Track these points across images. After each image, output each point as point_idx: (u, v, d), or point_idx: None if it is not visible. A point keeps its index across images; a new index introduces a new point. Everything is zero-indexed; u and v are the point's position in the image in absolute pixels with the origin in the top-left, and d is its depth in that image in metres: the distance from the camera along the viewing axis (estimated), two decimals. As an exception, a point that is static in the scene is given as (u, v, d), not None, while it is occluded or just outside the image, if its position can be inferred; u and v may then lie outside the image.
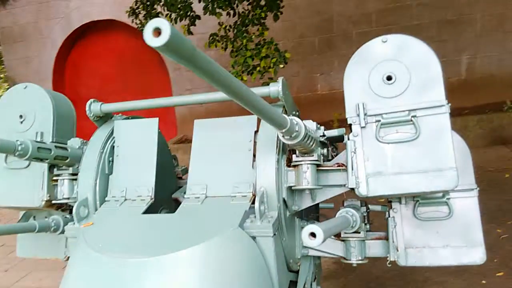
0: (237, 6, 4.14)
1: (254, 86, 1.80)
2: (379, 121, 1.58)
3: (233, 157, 1.76)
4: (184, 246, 1.38)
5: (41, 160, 1.83)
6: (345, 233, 1.80)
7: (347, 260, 1.81)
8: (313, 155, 1.61)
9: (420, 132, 1.54)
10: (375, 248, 1.84)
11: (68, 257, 2.23)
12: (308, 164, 1.61)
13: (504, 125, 6.68)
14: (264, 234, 1.51)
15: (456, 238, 1.74)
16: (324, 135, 1.70)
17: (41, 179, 2.01)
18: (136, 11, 4.98)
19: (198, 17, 4.61)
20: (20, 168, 2.06)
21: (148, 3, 4.71)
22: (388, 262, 1.82)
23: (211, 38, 4.50)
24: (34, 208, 2.05)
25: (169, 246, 1.43)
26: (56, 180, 2.08)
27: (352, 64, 1.65)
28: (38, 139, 2.03)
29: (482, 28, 7.46)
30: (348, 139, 1.62)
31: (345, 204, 1.84)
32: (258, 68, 3.91)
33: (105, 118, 2.08)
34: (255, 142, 1.75)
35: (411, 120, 1.55)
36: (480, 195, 1.73)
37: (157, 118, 1.97)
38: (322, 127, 1.74)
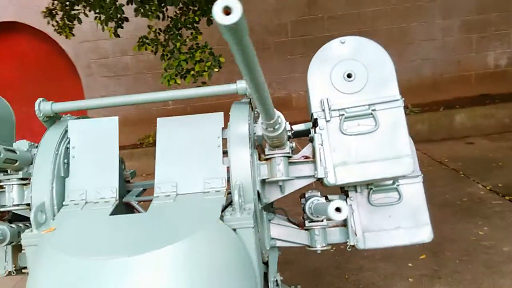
0: (166, 10, 4.09)
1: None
2: (343, 115, 1.72)
3: (202, 153, 1.78)
4: (166, 243, 1.37)
5: None
6: (309, 222, 1.91)
7: (312, 247, 1.92)
8: (285, 148, 1.69)
9: (379, 124, 1.70)
10: (335, 235, 1.97)
11: (9, 272, 2.05)
12: (281, 156, 1.69)
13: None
14: (245, 226, 1.55)
15: (406, 220, 1.94)
16: (291, 129, 1.79)
17: (-16, 184, 1.84)
18: (53, 11, 4.66)
19: (126, 19, 4.47)
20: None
21: (67, 3, 4.43)
22: (348, 246, 1.96)
23: (140, 41, 4.40)
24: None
25: (150, 244, 1.40)
26: (1, 187, 1.91)
27: (314, 63, 1.78)
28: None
29: (386, 41, 8.20)
30: (315, 132, 1.73)
31: (306, 196, 1.95)
32: (192, 72, 3.91)
33: (54, 118, 1.96)
34: (223, 139, 1.78)
35: (371, 114, 1.71)
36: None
37: (117, 117, 1.91)
38: (287, 122, 1.83)
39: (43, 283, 1.45)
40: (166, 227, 1.53)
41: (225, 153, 1.77)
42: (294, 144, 1.77)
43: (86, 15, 4.56)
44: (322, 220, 1.91)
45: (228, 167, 1.73)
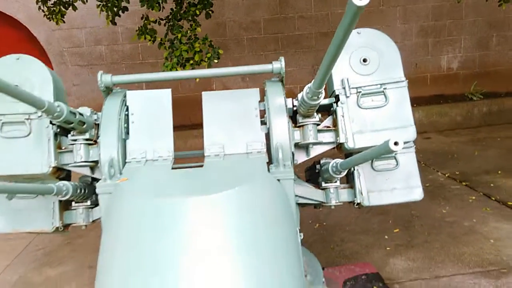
0: (165, 1, 4.31)
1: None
2: (360, 92, 2.10)
3: (243, 122, 2.10)
4: (231, 187, 1.68)
5: (69, 123, 1.91)
6: (325, 183, 2.28)
7: (327, 203, 2.29)
8: (315, 118, 2.05)
9: (389, 100, 2.10)
10: (344, 195, 2.34)
11: (56, 228, 2.28)
12: (312, 124, 2.05)
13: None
14: (287, 177, 1.89)
15: (402, 183, 2.34)
16: (319, 103, 2.15)
17: (47, 146, 2.06)
18: (47, -3, 4.73)
19: (126, 8, 4.64)
20: (20, 137, 2.07)
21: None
22: (355, 204, 2.34)
23: (139, 31, 4.58)
24: (39, 175, 2.07)
25: (217, 187, 1.71)
26: (60, 147, 2.14)
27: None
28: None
29: (350, 41, 8.78)
30: (337, 106, 2.11)
31: (321, 162, 2.32)
32: (191, 61, 4.17)
33: (108, 90, 2.21)
34: (260, 110, 2.12)
35: (382, 91, 2.10)
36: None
37: (170, 89, 2.18)
38: None
39: (124, 223, 1.72)
40: (224, 177, 1.84)
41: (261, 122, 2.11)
42: (320, 116, 2.13)
43: (84, 2, 4.68)
44: (336, 181, 2.29)
45: (265, 133, 2.07)
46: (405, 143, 2.24)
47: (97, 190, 1.93)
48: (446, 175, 5.61)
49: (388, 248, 3.81)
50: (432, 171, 5.82)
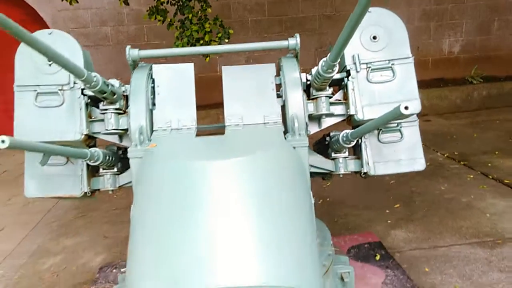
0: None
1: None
2: (369, 67, 2.25)
3: (260, 94, 2.25)
4: (254, 152, 1.85)
5: (102, 93, 2.06)
6: (334, 154, 2.45)
7: (336, 172, 2.46)
8: (328, 91, 2.21)
9: (396, 75, 2.25)
10: (352, 165, 2.51)
11: (85, 193, 2.45)
12: (325, 97, 2.20)
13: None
14: (302, 145, 2.06)
15: (406, 154, 2.50)
16: (331, 77, 2.30)
17: (79, 115, 2.22)
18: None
19: (138, -12, 4.73)
20: (53, 106, 2.23)
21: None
22: (362, 173, 2.51)
23: (150, 11, 4.68)
24: (71, 142, 2.22)
25: (241, 152, 1.87)
26: (90, 117, 2.30)
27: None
28: (70, 81, 2.23)
29: (353, 24, 8.86)
30: (348, 80, 2.26)
31: (331, 134, 2.48)
32: (201, 41, 4.30)
33: (134, 64, 2.35)
34: (276, 84, 2.27)
35: (390, 67, 2.25)
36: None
37: (193, 64, 2.32)
38: None
39: (155, 183, 1.89)
40: (245, 144, 2.01)
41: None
42: (332, 89, 2.29)
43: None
44: (344, 152, 2.46)
45: (281, 106, 2.23)
46: (413, 115, 2.41)
47: (128, 155, 2.09)
48: (445, 155, 5.79)
49: (389, 222, 4.00)
50: (432, 152, 6.00)
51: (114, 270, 3.34)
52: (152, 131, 2.18)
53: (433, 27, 9.03)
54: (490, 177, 4.89)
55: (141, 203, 1.93)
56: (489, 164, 5.29)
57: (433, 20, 8.97)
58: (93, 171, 2.52)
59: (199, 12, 4.54)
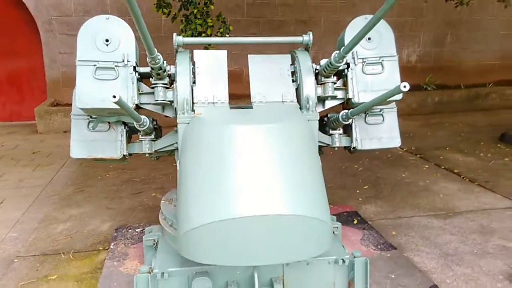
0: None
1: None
2: (365, 62, 2.88)
3: (278, 78, 2.83)
4: (285, 118, 2.43)
5: (159, 69, 2.54)
6: (331, 130, 3.07)
7: (332, 145, 3.08)
8: (333, 78, 2.82)
9: (385, 69, 2.90)
10: (344, 141, 3.13)
11: (124, 156, 2.92)
12: (331, 82, 2.81)
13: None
14: (313, 118, 2.66)
15: (386, 133, 3.15)
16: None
17: (131, 88, 2.68)
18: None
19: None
20: (109, 80, 2.68)
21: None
22: (352, 148, 3.14)
23: (157, 4, 5.09)
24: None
25: (272, 120, 2.45)
26: (139, 90, 2.77)
27: (349, 30, 2.91)
28: (125, 59, 2.70)
29: (324, 30, 9.62)
30: (348, 71, 2.88)
31: (329, 115, 3.10)
32: (203, 35, 4.78)
33: (176, 49, 2.85)
34: (291, 71, 2.86)
35: (381, 63, 2.90)
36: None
37: (226, 51, 2.85)
38: None
39: (202, 143, 2.41)
40: (272, 114, 2.58)
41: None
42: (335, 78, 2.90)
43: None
44: (339, 130, 3.08)
45: (295, 88, 2.82)
46: (393, 102, 3.07)
47: (178, 120, 2.60)
48: (404, 149, 6.61)
49: (360, 199, 4.69)
50: (393, 146, 6.80)
51: (130, 230, 3.78)
52: (193, 103, 2.69)
53: (395, 37, 9.93)
54: (442, 167, 5.73)
55: (190, 155, 2.45)
56: (441, 157, 6.15)
57: (394, 31, 9.84)
58: (129, 138, 2.99)
59: (203, 8, 5.04)
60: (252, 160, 2.32)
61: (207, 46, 4.73)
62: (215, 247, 2.23)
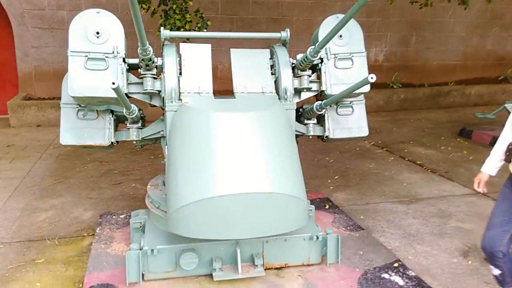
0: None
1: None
2: (337, 57, 3.17)
3: (259, 71, 3.07)
4: (266, 107, 2.68)
5: (148, 61, 2.73)
6: (306, 120, 3.34)
7: (307, 135, 3.35)
8: (308, 71, 3.09)
9: (354, 64, 3.19)
10: (317, 130, 3.41)
11: (112, 143, 3.09)
12: (306, 76, 3.08)
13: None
14: (291, 108, 2.92)
15: (355, 124, 3.45)
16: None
17: (121, 78, 2.86)
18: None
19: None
20: (100, 70, 2.85)
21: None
22: (324, 137, 3.42)
23: None
24: (112, 98, 2.84)
25: (254, 108, 2.69)
26: (127, 80, 2.95)
27: (323, 28, 3.18)
28: (114, 51, 2.88)
29: (296, 29, 9.92)
30: (322, 65, 3.15)
31: (304, 106, 3.37)
32: (181, 29, 4.95)
33: (163, 42, 3.05)
34: (270, 65, 3.11)
35: (351, 58, 3.18)
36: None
37: (210, 44, 3.07)
38: None
39: (190, 129, 2.63)
40: (254, 103, 2.82)
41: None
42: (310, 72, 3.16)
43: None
44: (313, 120, 3.36)
45: (274, 81, 3.07)
46: (361, 94, 3.37)
47: (166, 108, 2.80)
48: (371, 143, 7.00)
49: (331, 187, 5.00)
50: (360, 140, 7.16)
51: (114, 216, 3.94)
52: (179, 93, 2.90)
53: (364, 37, 10.36)
54: (406, 159, 6.13)
55: (178, 140, 2.67)
56: (405, 150, 6.56)
57: (363, 31, 10.29)
58: (116, 126, 3.17)
59: (182, 4, 5.23)
60: (236, 144, 2.56)
61: (185, 40, 4.91)
62: (203, 223, 2.46)
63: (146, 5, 5.12)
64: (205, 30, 5.26)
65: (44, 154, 6.31)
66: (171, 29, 4.95)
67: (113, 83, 2.11)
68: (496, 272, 2.60)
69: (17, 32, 8.68)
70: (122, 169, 5.71)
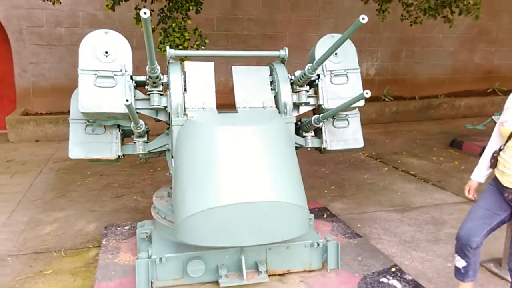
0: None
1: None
2: (332, 74, 3.35)
3: (259, 86, 3.24)
4: (267, 121, 2.84)
5: (156, 78, 2.88)
6: (304, 133, 3.50)
7: (305, 146, 3.51)
8: (306, 87, 3.26)
9: (349, 80, 3.37)
10: (315, 142, 3.57)
11: (118, 156, 3.22)
12: (304, 91, 3.25)
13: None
14: (291, 121, 3.09)
15: (351, 136, 3.62)
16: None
17: (128, 94, 3.00)
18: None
19: (126, -1, 5.42)
20: (109, 87, 3.00)
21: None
22: (322, 149, 3.58)
23: (136, 17, 5.38)
24: (120, 114, 2.98)
25: (257, 122, 2.85)
26: (135, 96, 3.09)
27: (319, 46, 3.36)
28: (122, 69, 3.03)
29: (289, 45, 10.14)
30: (319, 81, 3.33)
31: (302, 119, 3.53)
32: (180, 47, 5.12)
33: (168, 60, 3.21)
34: (270, 81, 3.28)
35: (346, 74, 3.37)
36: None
37: (213, 62, 3.23)
38: None
39: (196, 142, 2.77)
40: (256, 118, 2.97)
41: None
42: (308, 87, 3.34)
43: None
44: (311, 132, 3.52)
45: (274, 96, 3.24)
46: (356, 108, 3.55)
47: (172, 123, 2.95)
48: (365, 155, 7.18)
49: (328, 198, 5.15)
50: (355, 152, 7.35)
51: (119, 228, 4.04)
52: (185, 108, 3.05)
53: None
54: (400, 169, 6.31)
55: (185, 153, 2.81)
56: (399, 161, 6.75)
57: (355, 46, 10.56)
58: (122, 140, 3.31)
59: (181, 22, 5.42)
60: (241, 156, 2.71)
61: (182, 58, 5.09)
62: (211, 231, 2.59)
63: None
64: (203, 47, 5.44)
65: (44, 169, 6.40)
66: (170, 47, 5.11)
67: (127, 100, 2.26)
68: (462, 264, 2.74)
69: (15, 48, 8.82)
70: (122, 182, 5.81)
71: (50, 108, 8.80)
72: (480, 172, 2.87)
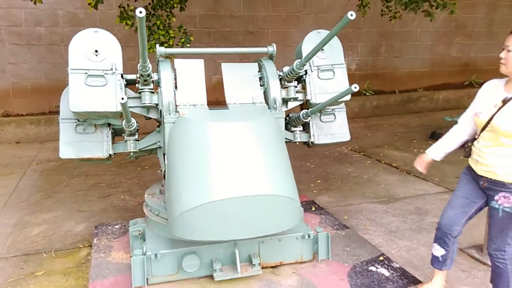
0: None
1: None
2: (319, 69, 3.42)
3: (248, 83, 3.29)
4: (258, 116, 2.90)
5: (147, 76, 2.90)
6: (293, 128, 3.58)
7: (293, 141, 3.58)
8: (294, 82, 3.33)
9: (335, 75, 3.45)
10: (303, 137, 3.65)
11: (110, 155, 3.24)
12: (293, 86, 3.32)
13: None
14: (281, 116, 3.15)
15: (338, 130, 3.71)
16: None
17: (120, 92, 3.01)
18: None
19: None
20: (99, 86, 3.01)
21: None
22: (310, 143, 3.66)
23: (121, 15, 5.34)
24: (111, 112, 2.99)
25: (247, 118, 2.91)
26: (126, 95, 3.11)
27: (306, 42, 3.43)
28: (113, 68, 3.04)
29: (271, 41, 10.22)
30: (306, 76, 3.40)
31: (290, 114, 3.60)
32: (165, 45, 5.12)
33: (158, 58, 3.23)
34: (259, 77, 3.34)
35: (332, 69, 3.45)
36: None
37: (203, 60, 3.27)
38: None
39: (189, 138, 2.82)
40: (246, 113, 3.03)
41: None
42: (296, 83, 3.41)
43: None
44: (299, 127, 3.60)
45: (263, 92, 3.30)
46: (343, 102, 3.64)
47: (164, 120, 2.97)
48: (349, 148, 7.31)
49: (314, 191, 5.25)
50: (338, 146, 7.48)
51: (109, 227, 4.05)
52: (176, 105, 3.09)
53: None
54: (383, 162, 6.46)
55: (178, 150, 2.85)
56: (381, 154, 6.90)
57: (336, 41, 10.71)
58: (113, 139, 3.32)
59: (166, 20, 5.41)
60: (233, 151, 2.76)
61: (168, 56, 5.10)
62: (206, 226, 2.64)
63: (130, 21, 5.28)
64: (188, 45, 5.45)
65: (28, 170, 6.32)
66: (155, 44, 5.12)
67: (122, 99, 2.29)
68: (440, 252, 2.85)
69: (-6, 48, 8.64)
70: (109, 182, 5.79)
71: (31, 109, 8.65)
72: (441, 149, 2.92)
